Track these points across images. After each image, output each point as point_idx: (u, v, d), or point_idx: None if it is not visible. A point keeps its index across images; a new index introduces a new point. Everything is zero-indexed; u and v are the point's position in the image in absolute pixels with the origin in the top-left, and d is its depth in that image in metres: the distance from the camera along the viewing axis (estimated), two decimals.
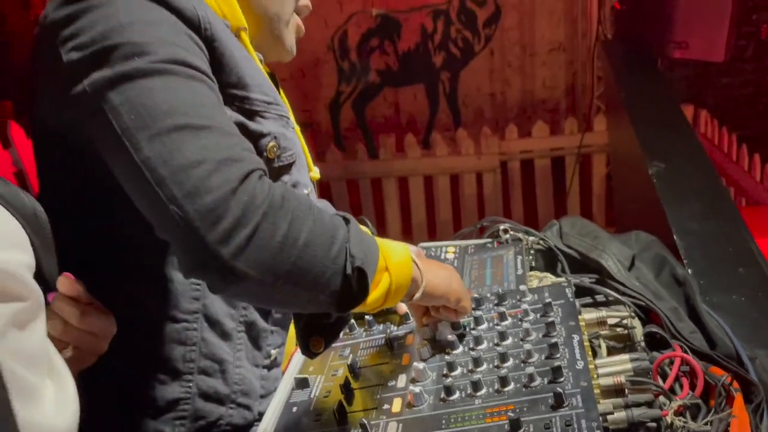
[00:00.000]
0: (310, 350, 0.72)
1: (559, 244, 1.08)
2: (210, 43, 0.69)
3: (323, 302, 0.65)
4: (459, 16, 5.11)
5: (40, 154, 0.75)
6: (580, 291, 0.94)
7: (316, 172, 0.89)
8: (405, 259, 0.72)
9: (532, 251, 1.11)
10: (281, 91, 0.89)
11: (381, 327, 0.91)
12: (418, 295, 0.74)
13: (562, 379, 0.68)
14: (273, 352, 0.83)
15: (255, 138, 0.74)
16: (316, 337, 0.72)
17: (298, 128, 0.84)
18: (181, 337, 0.75)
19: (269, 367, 0.83)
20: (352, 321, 0.91)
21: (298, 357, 0.89)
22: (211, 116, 0.62)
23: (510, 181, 3.80)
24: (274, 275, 0.60)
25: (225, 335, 0.78)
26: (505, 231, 1.13)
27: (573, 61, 5.07)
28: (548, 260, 1.10)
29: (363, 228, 0.98)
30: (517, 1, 5.07)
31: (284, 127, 0.79)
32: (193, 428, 0.76)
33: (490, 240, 1.16)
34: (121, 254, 0.72)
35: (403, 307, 0.91)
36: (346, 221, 0.67)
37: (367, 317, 0.91)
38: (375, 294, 0.68)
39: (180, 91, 0.62)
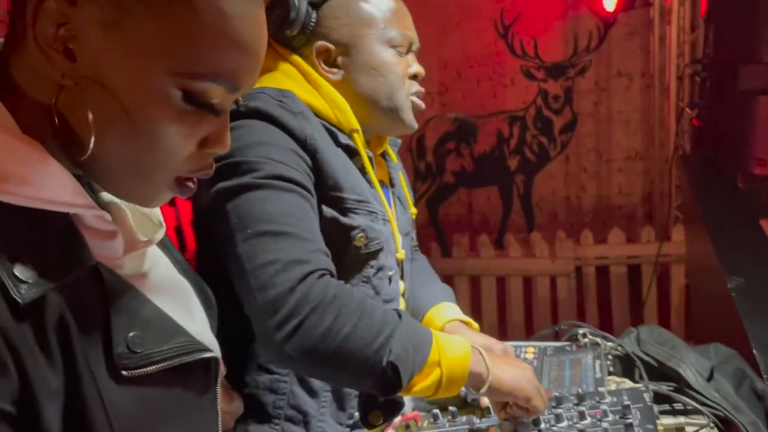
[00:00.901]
0: (369, 422, 0.82)
1: (636, 351, 1.12)
2: (313, 155, 0.86)
3: (366, 386, 0.78)
4: (535, 123, 5.29)
5: (195, 224, 0.91)
6: (658, 398, 0.97)
7: (401, 254, 1.01)
8: (462, 355, 0.81)
9: (609, 356, 1.15)
10: (402, 175, 1.04)
11: (464, 419, 0.97)
12: (483, 389, 0.82)
13: None
14: (356, 414, 0.92)
15: (346, 230, 0.89)
16: (375, 412, 0.82)
17: (392, 217, 0.98)
18: (273, 387, 0.88)
19: (352, 427, 0.92)
20: (437, 411, 0.98)
21: None
22: (292, 224, 0.79)
23: (585, 286, 3.78)
24: (313, 360, 0.75)
25: (312, 392, 0.90)
26: (584, 335, 1.18)
27: (650, 169, 5.10)
28: (626, 366, 1.13)
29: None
30: (593, 109, 5.22)
31: (373, 221, 0.92)
32: None
33: (568, 343, 1.21)
34: (235, 315, 0.85)
35: (485, 401, 0.97)
36: (400, 316, 0.79)
37: (450, 408, 0.98)
38: (423, 384, 0.78)
39: (273, 202, 0.79)
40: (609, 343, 1.17)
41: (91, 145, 0.49)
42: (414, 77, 0.99)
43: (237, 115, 0.83)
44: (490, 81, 5.38)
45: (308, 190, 0.84)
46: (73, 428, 0.47)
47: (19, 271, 0.45)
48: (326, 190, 0.87)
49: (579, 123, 5.21)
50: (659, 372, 1.07)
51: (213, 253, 0.85)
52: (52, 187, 0.48)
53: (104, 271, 0.51)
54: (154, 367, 0.51)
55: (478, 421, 0.95)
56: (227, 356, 0.83)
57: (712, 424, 0.88)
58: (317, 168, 0.86)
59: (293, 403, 0.89)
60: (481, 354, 0.83)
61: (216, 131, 0.54)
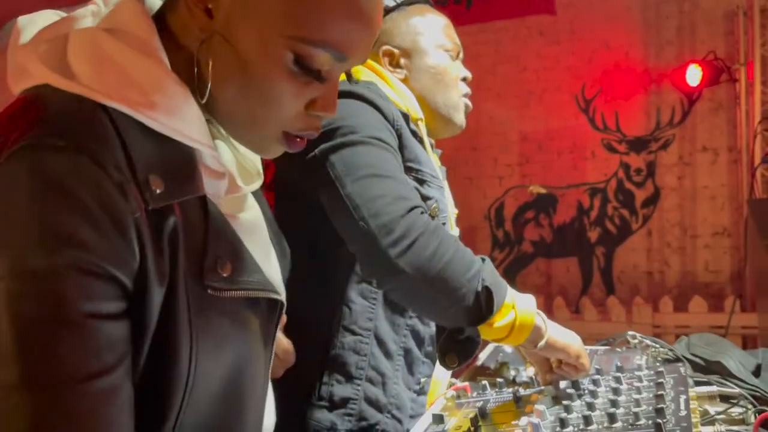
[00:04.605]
0: (446, 363, 0.91)
1: (686, 354, 1.16)
2: (398, 132, 1.01)
3: (458, 312, 0.87)
4: (616, 195, 5.29)
5: (278, 204, 1.06)
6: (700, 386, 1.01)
7: (455, 232, 1.12)
8: (531, 307, 0.91)
9: (659, 359, 1.19)
10: (447, 181, 1.17)
11: (510, 389, 1.05)
12: (541, 343, 0.91)
13: (665, 420, 0.78)
14: (422, 380, 1.02)
15: (423, 199, 1.01)
16: (451, 354, 0.91)
17: (450, 199, 1.11)
18: (356, 348, 0.98)
19: (418, 393, 1.02)
20: (485, 382, 1.06)
21: (439, 403, 1.04)
22: (392, 170, 0.92)
23: None
24: (423, 276, 0.84)
25: (388, 354, 1.00)
26: (633, 337, 1.24)
27: (739, 246, 4.94)
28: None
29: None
30: (677, 184, 5.16)
31: (442, 195, 1.06)
32: (357, 426, 0.96)
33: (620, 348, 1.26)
34: (324, 281, 0.98)
35: (530, 370, 1.05)
36: (483, 260, 0.90)
37: (498, 380, 1.06)
38: (501, 322, 0.88)
39: (373, 154, 0.93)
40: (660, 348, 1.22)
41: (207, 92, 0.56)
42: (464, 80, 1.16)
43: None
44: (571, 154, 5.47)
45: (399, 154, 0.98)
46: (163, 318, 0.54)
47: (152, 181, 0.53)
48: (408, 162, 1.01)
49: (662, 197, 5.17)
50: (705, 369, 1.11)
51: (298, 219, 1.00)
52: (188, 122, 0.56)
53: (209, 202, 0.58)
54: (231, 293, 0.58)
55: (523, 390, 1.03)
56: (315, 318, 0.97)
57: (748, 396, 0.92)
58: (401, 144, 1.01)
59: (373, 365, 1.00)
60: (540, 314, 0.94)
61: (323, 96, 0.59)
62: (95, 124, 0.52)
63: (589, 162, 5.40)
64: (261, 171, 0.69)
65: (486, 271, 0.88)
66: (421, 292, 0.87)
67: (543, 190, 5.47)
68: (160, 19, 0.60)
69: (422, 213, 0.88)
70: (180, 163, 0.56)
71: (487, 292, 0.86)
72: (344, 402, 0.96)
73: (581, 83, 5.09)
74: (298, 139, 0.61)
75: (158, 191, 0.53)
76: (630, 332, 1.25)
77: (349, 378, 0.98)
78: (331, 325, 1.00)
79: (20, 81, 0.55)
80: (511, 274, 5.49)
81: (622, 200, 5.27)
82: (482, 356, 1.27)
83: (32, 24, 0.58)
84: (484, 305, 0.86)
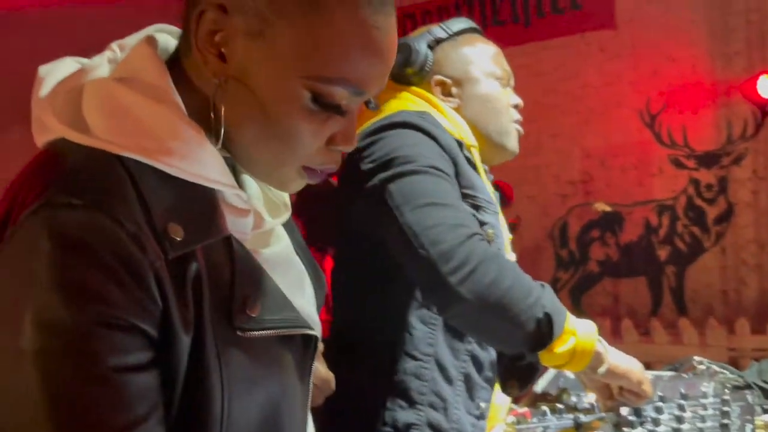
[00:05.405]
0: (508, 390, 0.92)
1: (756, 380, 1.13)
2: (453, 160, 1.04)
3: (518, 339, 0.88)
4: (686, 213, 5.10)
5: (339, 238, 1.10)
6: None
7: (511, 256, 1.13)
8: (591, 333, 0.92)
9: (728, 386, 1.16)
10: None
11: (571, 415, 1.04)
12: (602, 369, 0.91)
13: None
14: (482, 405, 1.03)
15: (480, 225, 1.03)
16: (512, 380, 0.92)
17: (504, 224, 1.12)
18: (417, 373, 1.01)
19: (478, 417, 1.03)
20: (545, 408, 1.06)
21: (499, 429, 1.05)
22: (449, 198, 0.95)
23: None
24: (484, 303, 0.86)
25: (449, 380, 1.02)
26: (700, 362, 1.21)
27: None
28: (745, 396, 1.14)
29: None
30: (751, 198, 4.94)
31: (497, 220, 1.08)
32: None
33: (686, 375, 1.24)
34: (384, 307, 1.01)
35: (591, 396, 1.04)
36: (543, 286, 0.91)
37: (558, 406, 1.06)
38: (561, 348, 0.88)
39: (431, 183, 0.96)
40: (729, 375, 1.18)
41: (221, 136, 0.57)
42: (515, 107, 1.18)
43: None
44: (636, 170, 5.33)
45: (455, 182, 1.01)
46: (192, 365, 0.54)
47: (171, 229, 0.53)
48: (463, 189, 1.03)
49: (736, 213, 4.95)
50: None
51: (356, 247, 1.03)
52: (205, 165, 0.56)
53: (235, 242, 0.58)
54: (263, 332, 0.57)
55: (583, 416, 1.03)
56: (375, 344, 1.01)
57: None
58: (457, 171, 1.03)
59: (434, 390, 1.01)
60: (601, 340, 0.94)
61: (343, 130, 0.59)
62: (110, 178, 0.52)
63: (656, 178, 5.23)
64: (288, 203, 0.69)
65: (546, 298, 0.89)
66: (483, 319, 0.89)
67: (608, 208, 5.33)
68: (175, 61, 0.60)
69: (481, 240, 0.91)
70: (200, 206, 0.56)
71: (548, 318, 0.87)
72: (407, 427, 0.99)
73: (645, 98, 4.96)
74: (319, 171, 0.61)
75: (178, 239, 0.53)
76: (696, 357, 1.22)
77: (412, 403, 1.00)
78: (392, 351, 1.02)
79: (41, 134, 0.57)
80: (577, 295, 5.36)
81: (693, 217, 5.07)
82: (542, 382, 1.27)
83: (52, 74, 0.59)
84: (545, 331, 0.87)
